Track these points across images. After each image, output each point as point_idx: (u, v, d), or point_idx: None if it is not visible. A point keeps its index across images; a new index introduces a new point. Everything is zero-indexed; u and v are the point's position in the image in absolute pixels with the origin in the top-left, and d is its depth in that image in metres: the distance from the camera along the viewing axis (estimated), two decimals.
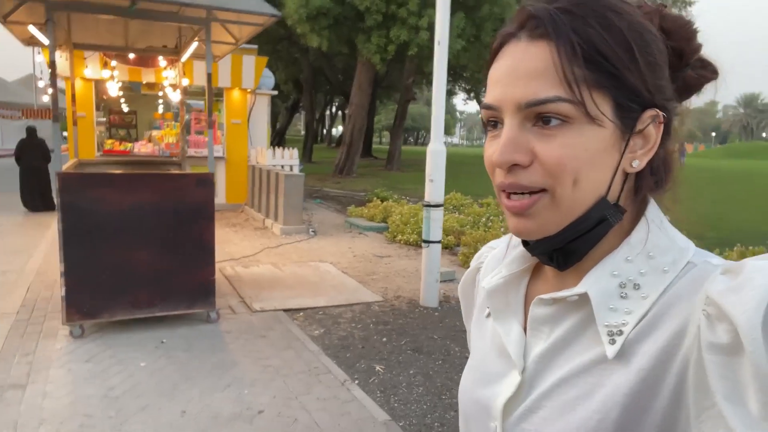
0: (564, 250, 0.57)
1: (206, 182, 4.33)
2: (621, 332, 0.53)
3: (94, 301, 4.04)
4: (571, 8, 0.53)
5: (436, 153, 4.93)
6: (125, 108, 11.88)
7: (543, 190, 0.54)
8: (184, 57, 5.58)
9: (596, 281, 0.55)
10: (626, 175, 0.56)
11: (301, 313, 4.89)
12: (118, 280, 4.09)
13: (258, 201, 9.79)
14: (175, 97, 9.02)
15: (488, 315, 0.69)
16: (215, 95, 11.77)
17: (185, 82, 6.18)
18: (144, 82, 9.63)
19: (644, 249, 0.55)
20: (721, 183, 20.26)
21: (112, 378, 3.48)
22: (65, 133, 11.30)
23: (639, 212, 0.58)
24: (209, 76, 4.24)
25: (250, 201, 10.30)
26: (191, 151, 10.08)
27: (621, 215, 0.56)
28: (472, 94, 34.62)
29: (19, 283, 5.49)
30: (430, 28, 12.48)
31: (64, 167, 4.55)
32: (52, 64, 3.76)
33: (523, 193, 0.55)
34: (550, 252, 0.58)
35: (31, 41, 5.49)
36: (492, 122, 0.57)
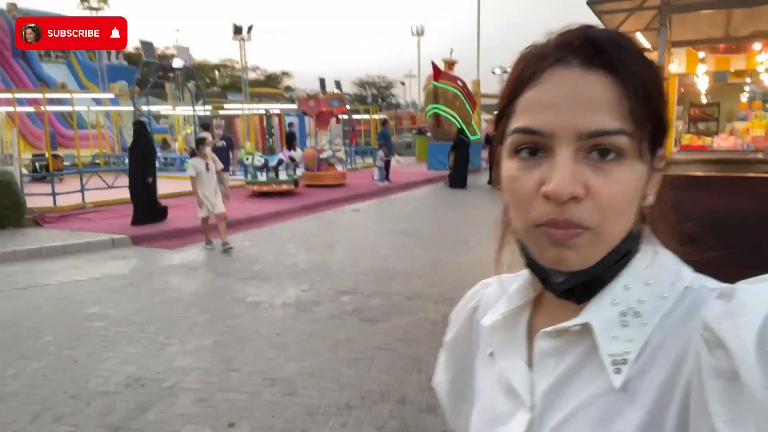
0: (590, 283, 0.55)
1: None
2: (625, 361, 0.53)
3: None
4: (618, 41, 0.52)
5: None
6: (705, 99, 11.29)
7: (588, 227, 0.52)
8: None
9: (597, 310, 0.55)
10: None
11: None
12: None
13: None
14: None
15: (491, 354, 0.66)
16: None
17: None
18: (732, 70, 8.84)
19: (642, 277, 0.55)
20: None
21: None
22: None
23: (638, 241, 0.58)
24: None
25: None
26: None
27: (639, 247, 0.57)
28: None
29: None
30: None
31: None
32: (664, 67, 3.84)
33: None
34: (574, 286, 0.55)
35: None
36: (528, 149, 0.53)
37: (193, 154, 7.53)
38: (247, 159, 12.85)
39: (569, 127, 0.51)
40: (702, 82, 8.23)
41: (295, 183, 12.94)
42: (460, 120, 18.03)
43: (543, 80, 0.53)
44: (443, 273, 6.45)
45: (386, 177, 15.00)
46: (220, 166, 7.70)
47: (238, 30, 29.76)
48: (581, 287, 0.56)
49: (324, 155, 14.05)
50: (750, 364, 0.43)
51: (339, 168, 14.68)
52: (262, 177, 12.51)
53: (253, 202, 11.68)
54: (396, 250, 7.77)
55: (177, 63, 14.60)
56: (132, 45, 29.45)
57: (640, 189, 0.54)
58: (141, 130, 9.50)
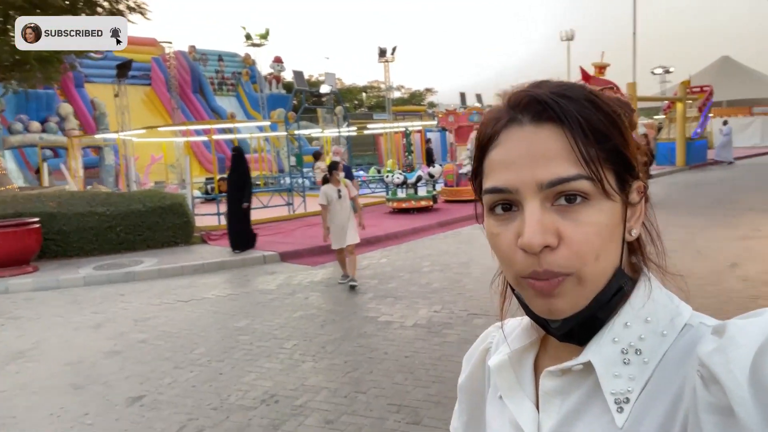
0: (585, 325, 0.57)
1: None
2: (627, 399, 0.54)
3: None
4: (565, 93, 0.56)
5: None
6: None
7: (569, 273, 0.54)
8: None
9: (598, 349, 0.56)
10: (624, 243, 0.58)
11: None
12: None
13: None
14: None
15: (501, 396, 0.67)
16: None
17: None
18: None
19: (641, 314, 0.56)
20: None
21: None
22: None
23: (634, 276, 0.59)
24: None
25: None
26: None
27: (632, 283, 0.58)
28: None
29: None
30: None
31: None
32: None
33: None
34: (572, 328, 0.57)
35: None
36: (501, 205, 0.57)
37: (325, 181, 7.12)
38: (387, 176, 13.15)
39: (530, 180, 0.55)
40: None
41: (434, 199, 12.93)
42: None
43: (500, 141, 0.58)
44: None
45: None
46: (354, 192, 7.26)
47: (382, 52, 30.93)
48: (579, 330, 0.57)
49: (463, 170, 13.87)
50: (743, 398, 0.43)
51: None
52: (402, 193, 12.70)
53: (392, 219, 11.88)
54: None
55: (324, 88, 15.51)
56: (289, 75, 31.93)
57: (615, 226, 0.56)
58: (238, 156, 9.42)
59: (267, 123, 21.73)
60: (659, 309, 0.57)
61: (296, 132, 17.12)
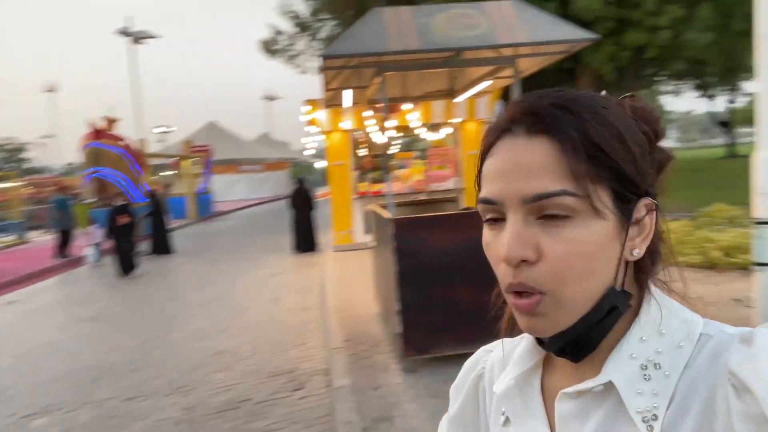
0: (577, 343, 0.56)
1: None
2: (656, 417, 0.52)
3: (426, 338, 4.26)
4: (565, 104, 0.54)
5: None
6: (363, 152, 12.89)
7: (542, 291, 0.54)
8: (462, 97, 5.80)
9: (617, 367, 0.55)
10: (626, 262, 0.56)
11: None
12: (445, 317, 4.25)
13: None
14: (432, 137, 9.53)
15: (505, 422, 0.65)
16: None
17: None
18: (390, 127, 10.39)
19: (654, 328, 0.56)
20: None
21: None
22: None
23: (642, 293, 0.58)
24: None
25: None
26: (432, 186, 10.55)
27: (629, 302, 0.57)
28: (705, 92, 31.06)
29: (327, 319, 6.12)
30: (673, 25, 11.43)
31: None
32: (384, 118, 4.11)
33: (529, 293, 0.54)
34: (564, 346, 0.57)
35: (330, 103, 6.23)
36: (491, 218, 0.57)
37: None
38: None
39: (514, 193, 0.53)
40: (380, 138, 9.40)
41: None
42: (129, 182, 16.33)
43: (494, 151, 0.57)
44: (162, 357, 5.50)
45: (64, 253, 12.82)
46: None
47: None
48: (571, 347, 0.57)
49: None
50: None
51: None
52: None
53: None
54: (89, 342, 6.31)
55: None
56: None
57: (605, 245, 0.54)
58: None
59: None
60: (672, 321, 0.56)
61: None
